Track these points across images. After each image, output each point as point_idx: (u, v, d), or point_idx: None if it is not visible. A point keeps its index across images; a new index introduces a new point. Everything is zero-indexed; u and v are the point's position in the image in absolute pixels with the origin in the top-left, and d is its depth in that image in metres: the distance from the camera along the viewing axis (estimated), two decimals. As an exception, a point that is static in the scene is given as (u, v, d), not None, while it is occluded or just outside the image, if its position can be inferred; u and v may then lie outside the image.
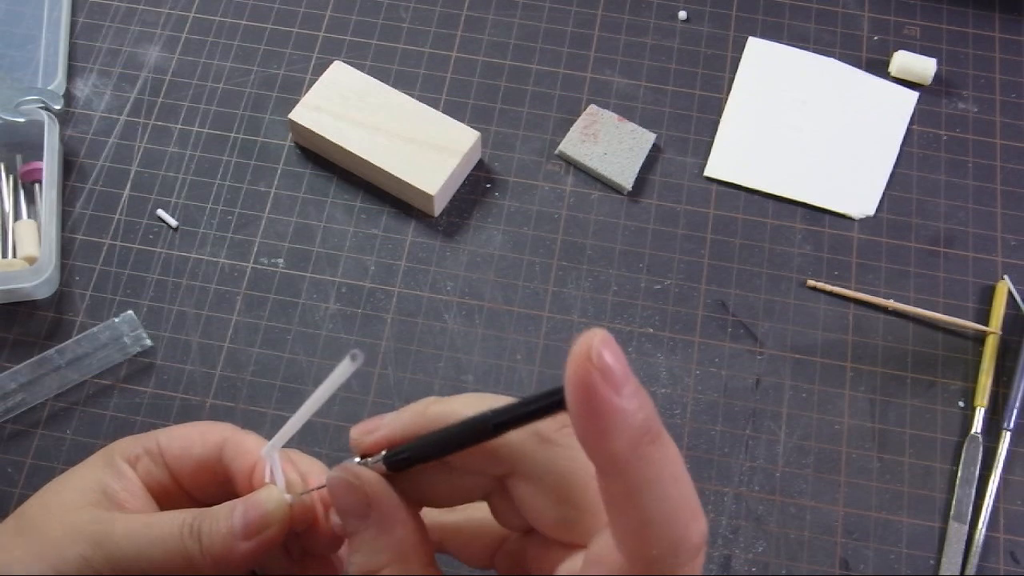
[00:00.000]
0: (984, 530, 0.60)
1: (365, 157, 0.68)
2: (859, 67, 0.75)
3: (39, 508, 0.44)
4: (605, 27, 0.76)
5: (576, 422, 0.29)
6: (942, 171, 0.71)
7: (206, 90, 0.74)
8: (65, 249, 0.68)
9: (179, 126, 0.73)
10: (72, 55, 0.75)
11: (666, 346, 0.66)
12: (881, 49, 0.76)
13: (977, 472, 0.62)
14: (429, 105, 0.70)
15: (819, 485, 0.62)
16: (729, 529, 0.61)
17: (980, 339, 0.66)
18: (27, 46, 0.74)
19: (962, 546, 0.60)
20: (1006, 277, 0.67)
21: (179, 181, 0.71)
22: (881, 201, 0.70)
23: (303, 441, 0.62)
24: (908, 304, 0.67)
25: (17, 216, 0.68)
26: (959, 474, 0.62)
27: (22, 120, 0.69)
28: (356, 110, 0.70)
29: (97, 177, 0.71)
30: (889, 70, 0.75)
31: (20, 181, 0.69)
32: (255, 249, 0.68)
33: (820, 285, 0.67)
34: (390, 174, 0.67)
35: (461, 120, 0.70)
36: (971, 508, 0.61)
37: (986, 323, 0.66)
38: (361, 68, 0.73)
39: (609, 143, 0.71)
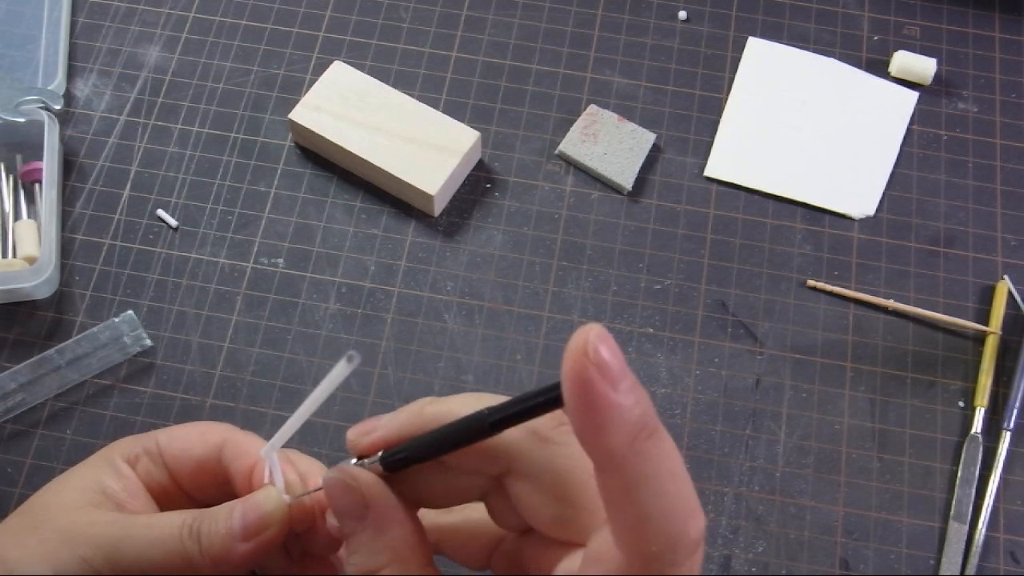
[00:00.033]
0: (984, 530, 0.60)
1: (365, 157, 0.68)
2: (859, 67, 0.75)
3: (39, 508, 0.44)
4: (605, 27, 0.77)
5: (573, 418, 0.29)
6: (942, 171, 0.71)
7: (206, 90, 0.74)
8: (65, 249, 0.68)
9: (179, 126, 0.73)
10: (72, 55, 0.75)
11: (666, 346, 0.66)
12: (881, 49, 0.76)
13: (977, 472, 0.62)
14: (429, 105, 0.70)
15: (819, 485, 0.62)
16: (729, 529, 0.61)
17: (980, 339, 0.66)
18: (27, 46, 0.74)
19: (962, 546, 0.60)
20: (1006, 277, 0.67)
21: (179, 181, 0.71)
22: (881, 201, 0.70)
23: (303, 441, 0.62)
24: (908, 304, 0.67)
25: (17, 216, 0.68)
26: (959, 474, 0.62)
27: (22, 120, 0.69)
28: (356, 110, 0.70)
29: (97, 177, 0.71)
30: (889, 70, 0.75)
31: (20, 181, 0.69)
32: (255, 249, 0.68)
33: (820, 285, 0.67)
34: (390, 174, 0.68)
35: (461, 120, 0.70)
36: (971, 508, 0.61)
37: (986, 323, 0.66)
38: (361, 68, 0.73)
39: (609, 143, 0.71)
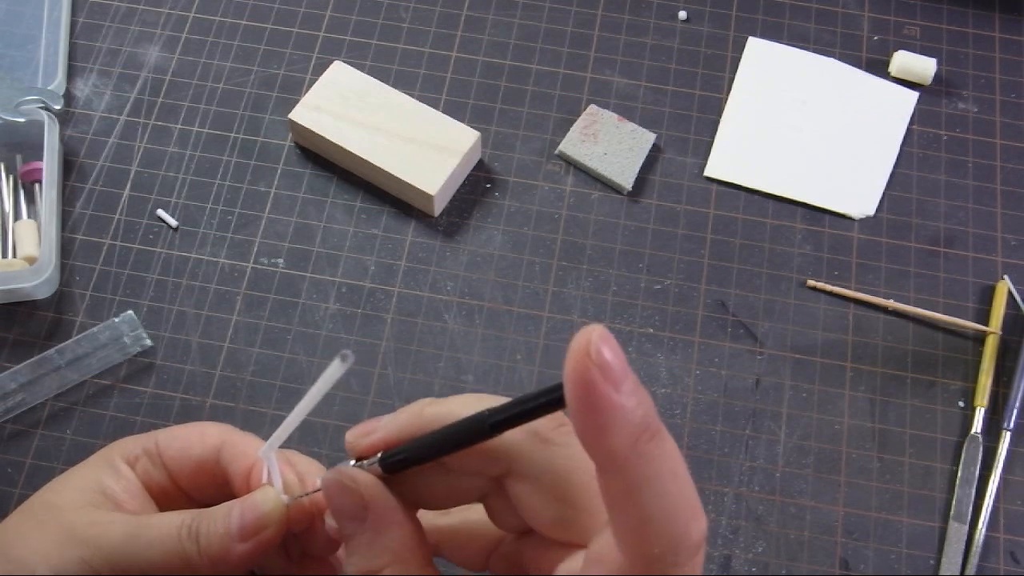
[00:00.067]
0: (984, 530, 0.60)
1: (365, 157, 0.68)
2: (859, 67, 0.75)
3: (39, 508, 0.44)
4: (605, 27, 0.76)
5: (575, 419, 0.29)
6: (942, 171, 0.71)
7: (206, 90, 0.74)
8: (65, 249, 0.68)
9: (179, 126, 0.73)
10: (72, 55, 0.75)
11: (666, 346, 0.66)
12: (881, 49, 0.76)
13: (977, 472, 0.62)
14: (429, 105, 0.70)
15: (819, 485, 0.62)
16: (729, 529, 0.61)
17: (980, 339, 0.66)
18: (27, 46, 0.74)
19: (962, 546, 0.60)
20: (1006, 277, 0.67)
21: (179, 181, 0.71)
22: (881, 201, 0.70)
23: (302, 441, 0.62)
24: (908, 304, 0.67)
25: (17, 216, 0.68)
26: (959, 474, 0.62)
27: (22, 120, 0.69)
28: (356, 110, 0.70)
29: (97, 177, 0.71)
30: (889, 70, 0.75)
31: (20, 181, 0.69)
32: (255, 249, 0.68)
33: (820, 285, 0.67)
34: (390, 174, 0.67)
35: (461, 120, 0.70)
36: (971, 508, 0.61)
37: (986, 323, 0.66)
38: (361, 68, 0.73)
39: (609, 143, 0.71)
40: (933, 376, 0.65)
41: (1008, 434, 0.63)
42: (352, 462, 0.39)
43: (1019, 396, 0.63)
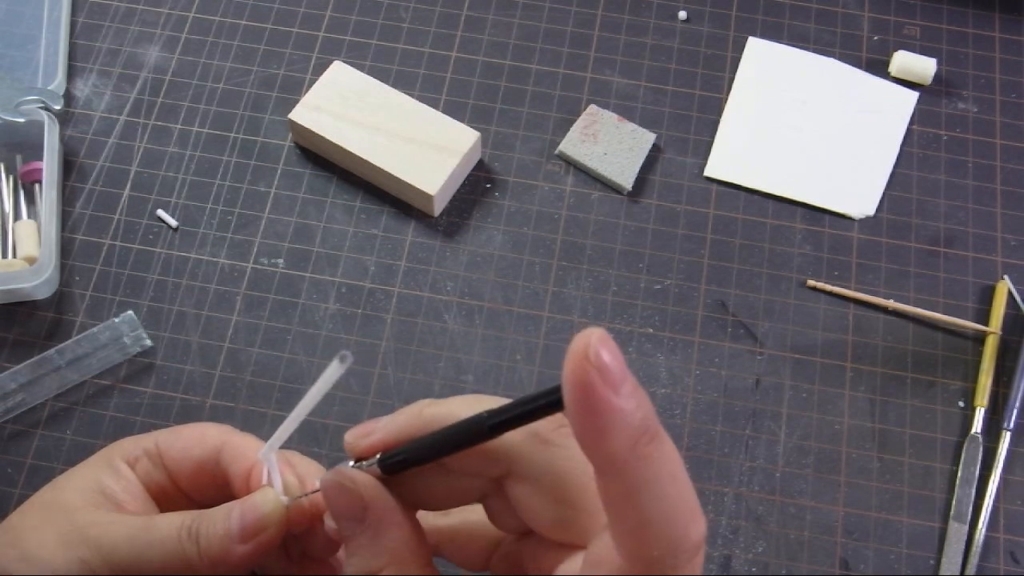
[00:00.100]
0: (984, 530, 0.60)
1: (365, 157, 0.68)
2: (859, 67, 0.75)
3: (39, 509, 0.44)
4: (605, 27, 0.76)
5: (574, 421, 0.29)
6: (942, 171, 0.71)
7: (206, 90, 0.74)
8: (65, 249, 0.68)
9: (179, 126, 0.73)
10: (72, 55, 0.75)
11: (666, 346, 0.66)
12: (881, 49, 0.76)
13: (977, 472, 0.62)
14: (429, 105, 0.70)
15: (819, 485, 0.62)
16: (729, 529, 0.61)
17: (980, 339, 0.66)
18: (27, 46, 0.74)
19: (962, 546, 0.60)
20: (1006, 277, 0.67)
21: (179, 181, 0.71)
22: (881, 201, 0.70)
23: (302, 441, 0.62)
24: (908, 304, 0.67)
25: (17, 216, 0.68)
26: (959, 474, 0.62)
27: (22, 120, 0.69)
28: (356, 110, 0.70)
29: (97, 177, 0.71)
30: (889, 70, 0.75)
31: (20, 181, 0.69)
32: (255, 249, 0.68)
33: (820, 285, 0.67)
34: (390, 174, 0.67)
35: (461, 120, 0.70)
36: (971, 508, 0.61)
37: (986, 323, 0.66)
38: (361, 68, 0.73)
39: (609, 143, 0.71)
40: (933, 376, 0.65)
41: (1008, 434, 0.63)
42: (351, 463, 0.39)
43: (1019, 396, 0.63)
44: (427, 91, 0.74)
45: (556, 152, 0.71)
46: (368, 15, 0.77)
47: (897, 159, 0.72)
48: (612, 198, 0.70)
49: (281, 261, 0.68)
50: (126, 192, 0.70)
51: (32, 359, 0.63)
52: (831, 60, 0.75)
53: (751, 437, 0.63)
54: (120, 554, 0.41)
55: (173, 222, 0.69)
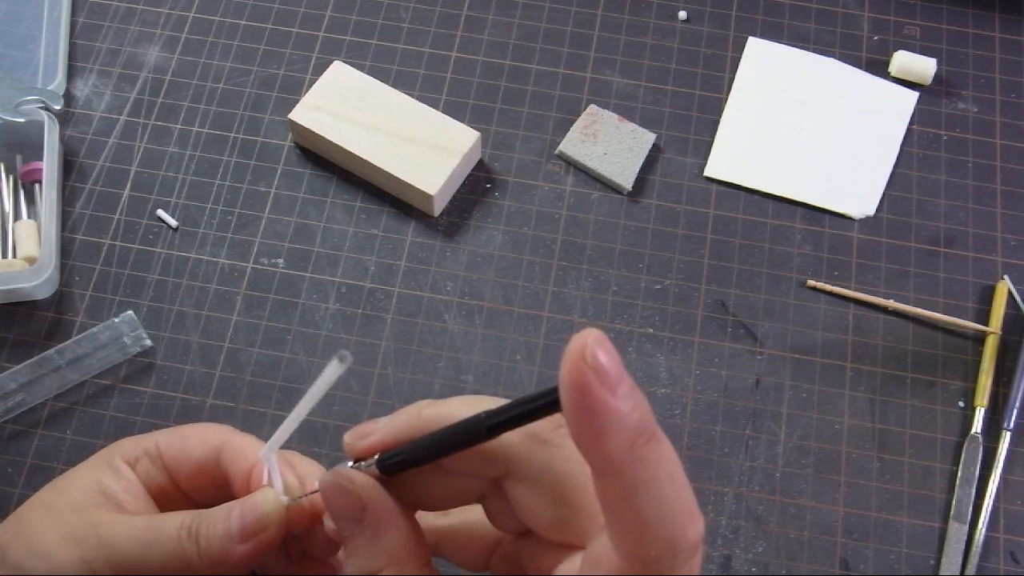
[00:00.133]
0: (984, 530, 0.60)
1: (365, 157, 0.68)
2: (859, 67, 0.75)
3: (39, 509, 0.44)
4: (605, 27, 0.76)
5: (571, 423, 0.29)
6: (942, 171, 0.71)
7: (206, 90, 0.74)
8: (65, 249, 0.68)
9: (179, 126, 0.73)
10: (72, 55, 0.75)
11: (666, 346, 0.66)
12: (881, 49, 0.76)
13: (977, 472, 0.62)
14: (429, 105, 0.70)
15: (819, 485, 0.62)
16: (729, 529, 0.61)
17: (980, 339, 0.66)
18: (27, 46, 0.74)
19: (962, 546, 0.60)
20: (1006, 277, 0.67)
21: (179, 181, 0.71)
22: (881, 201, 0.70)
23: (302, 442, 0.62)
24: (908, 304, 0.67)
25: (17, 216, 0.68)
26: (959, 474, 0.62)
27: (22, 120, 0.69)
28: (356, 110, 0.70)
29: (97, 177, 0.71)
30: (889, 70, 0.75)
31: (20, 181, 0.69)
32: (255, 249, 0.68)
33: (820, 285, 0.67)
34: (390, 174, 0.68)
35: (461, 120, 0.70)
36: (971, 508, 0.61)
37: (986, 323, 0.66)
38: (361, 68, 0.73)
39: (609, 143, 0.71)
40: (933, 376, 0.65)
41: (1008, 434, 0.63)
42: (350, 463, 0.39)
43: (1019, 396, 0.63)
44: (427, 91, 0.74)
45: (556, 152, 0.71)
46: (368, 15, 0.77)
47: (897, 159, 0.72)
48: (612, 198, 0.70)
49: (281, 261, 0.68)
50: (126, 192, 0.70)
51: (32, 359, 0.63)
52: (831, 60, 0.75)
53: (751, 437, 0.63)
54: (120, 554, 0.41)
55: (173, 222, 0.69)
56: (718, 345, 0.66)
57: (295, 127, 0.70)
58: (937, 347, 0.66)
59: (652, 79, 0.74)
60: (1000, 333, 0.65)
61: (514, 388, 0.64)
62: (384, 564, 0.37)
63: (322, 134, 0.69)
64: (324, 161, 0.71)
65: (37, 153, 0.68)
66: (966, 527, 0.60)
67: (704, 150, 0.72)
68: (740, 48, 0.76)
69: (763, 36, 0.76)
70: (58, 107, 0.71)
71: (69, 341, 0.64)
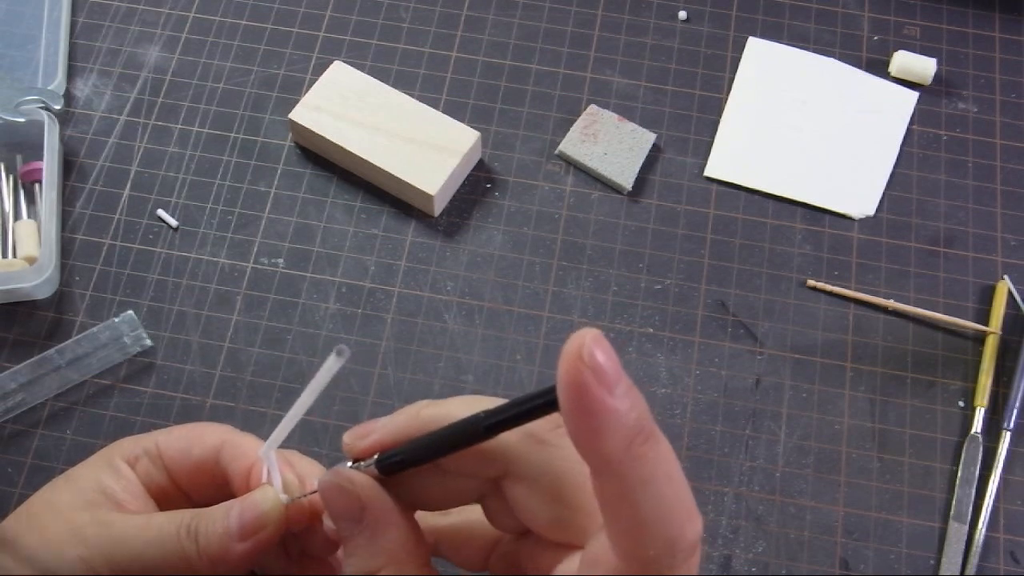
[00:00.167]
0: (984, 530, 0.60)
1: (365, 157, 0.68)
2: (859, 67, 0.75)
3: (39, 508, 0.44)
4: (605, 27, 0.76)
5: (569, 422, 0.29)
6: (942, 171, 0.71)
7: (206, 90, 0.74)
8: (65, 249, 0.68)
9: (179, 126, 0.73)
10: (72, 55, 0.75)
11: (666, 346, 0.66)
12: (881, 49, 0.76)
13: (977, 472, 0.62)
14: (429, 105, 0.70)
15: (819, 485, 0.62)
16: (729, 529, 0.61)
17: (980, 339, 0.66)
18: (27, 46, 0.74)
19: (962, 546, 0.60)
20: (1006, 277, 0.67)
21: (179, 181, 0.71)
22: (881, 201, 0.70)
23: (302, 441, 0.62)
24: (908, 304, 0.67)
25: (17, 216, 0.68)
26: (959, 474, 0.62)
27: (22, 120, 0.69)
28: (356, 110, 0.70)
29: (97, 177, 0.71)
30: (889, 70, 0.75)
31: (20, 181, 0.69)
32: (255, 249, 0.68)
33: (820, 285, 0.67)
34: (390, 174, 0.68)
35: (461, 120, 0.70)
36: (971, 508, 0.61)
37: (986, 323, 0.66)
38: (361, 68, 0.73)
39: (609, 143, 0.71)
40: (933, 376, 0.65)
41: (1008, 434, 0.63)
42: (350, 463, 0.39)
43: (1019, 396, 0.63)
44: (427, 91, 0.74)
45: (556, 152, 0.71)
46: (368, 15, 0.77)
47: (897, 159, 0.72)
48: (612, 198, 0.70)
49: (281, 261, 0.68)
50: (126, 192, 0.70)
51: (32, 359, 0.63)
52: (831, 60, 0.75)
53: (751, 437, 0.63)
54: (120, 553, 0.41)
55: (173, 222, 0.69)
56: (718, 345, 0.66)
57: (295, 127, 0.70)
58: (937, 347, 0.66)
59: (652, 79, 0.74)
60: (1000, 333, 0.65)
61: (514, 388, 0.64)
62: (383, 564, 0.37)
63: (322, 134, 0.69)
64: (324, 161, 0.71)
65: (37, 153, 0.68)
66: (966, 527, 0.60)
67: (704, 150, 0.72)
68: (740, 48, 0.76)
69: (763, 36, 0.76)
70: (58, 107, 0.71)
71: (69, 341, 0.64)
